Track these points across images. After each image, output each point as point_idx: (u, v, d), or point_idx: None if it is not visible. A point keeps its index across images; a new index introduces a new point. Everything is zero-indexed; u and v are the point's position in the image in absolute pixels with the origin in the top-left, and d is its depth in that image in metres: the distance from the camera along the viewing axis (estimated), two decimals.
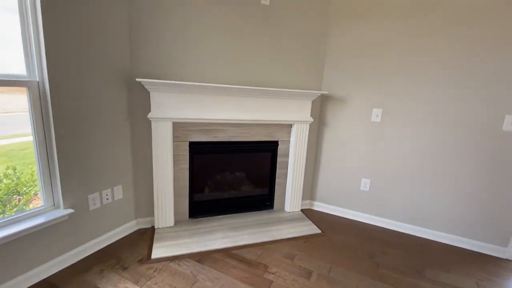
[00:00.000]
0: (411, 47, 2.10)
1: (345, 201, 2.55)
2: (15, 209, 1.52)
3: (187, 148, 2.13)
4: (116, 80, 1.81)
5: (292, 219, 2.41)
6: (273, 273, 1.71)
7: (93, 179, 1.76)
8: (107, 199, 1.87)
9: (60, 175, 1.56)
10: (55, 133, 1.51)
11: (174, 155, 2.10)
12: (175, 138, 2.07)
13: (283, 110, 2.26)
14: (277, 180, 2.50)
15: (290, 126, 2.40)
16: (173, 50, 1.95)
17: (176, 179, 2.15)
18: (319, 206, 2.67)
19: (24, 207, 1.56)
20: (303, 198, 2.65)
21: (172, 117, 1.95)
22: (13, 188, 1.53)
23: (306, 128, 2.39)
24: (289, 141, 2.43)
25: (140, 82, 1.82)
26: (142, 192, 2.11)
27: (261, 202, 2.54)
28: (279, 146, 2.41)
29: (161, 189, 2.06)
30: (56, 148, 1.53)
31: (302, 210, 2.61)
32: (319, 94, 2.30)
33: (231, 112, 2.11)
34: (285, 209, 2.56)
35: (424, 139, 2.17)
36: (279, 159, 2.45)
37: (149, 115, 1.89)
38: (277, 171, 2.47)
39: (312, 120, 2.36)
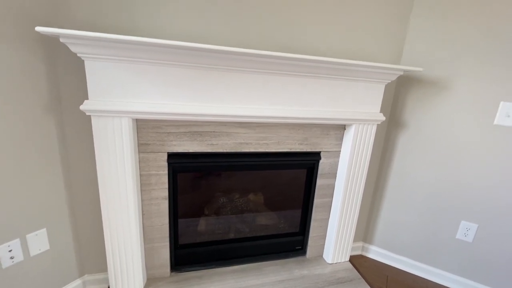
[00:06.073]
0: None
1: (425, 253, 1.56)
2: None
3: (165, 163, 1.22)
4: (18, 33, 0.91)
5: (337, 279, 1.47)
6: None
7: None
8: (12, 257, 1.03)
9: None
10: None
11: (140, 176, 1.21)
12: (142, 147, 1.17)
13: (334, 99, 1.27)
14: (314, 214, 1.55)
15: (343, 127, 1.41)
16: None
17: (146, 216, 1.27)
18: (378, 254, 1.70)
19: None
20: (354, 240, 1.69)
21: (131, 110, 1.03)
22: None
23: (371, 131, 1.39)
24: (338, 152, 1.45)
25: (67, 44, 0.90)
26: (89, 233, 1.25)
27: (288, 245, 1.61)
28: (321, 161, 1.45)
29: (115, 235, 1.18)
30: None
31: (351, 260, 1.65)
32: (401, 73, 1.27)
33: (242, 103, 1.16)
34: (325, 258, 1.62)
35: None
36: (319, 181, 1.49)
37: (84, 106, 0.98)
38: (316, 200, 1.52)
39: (384, 118, 1.35)
